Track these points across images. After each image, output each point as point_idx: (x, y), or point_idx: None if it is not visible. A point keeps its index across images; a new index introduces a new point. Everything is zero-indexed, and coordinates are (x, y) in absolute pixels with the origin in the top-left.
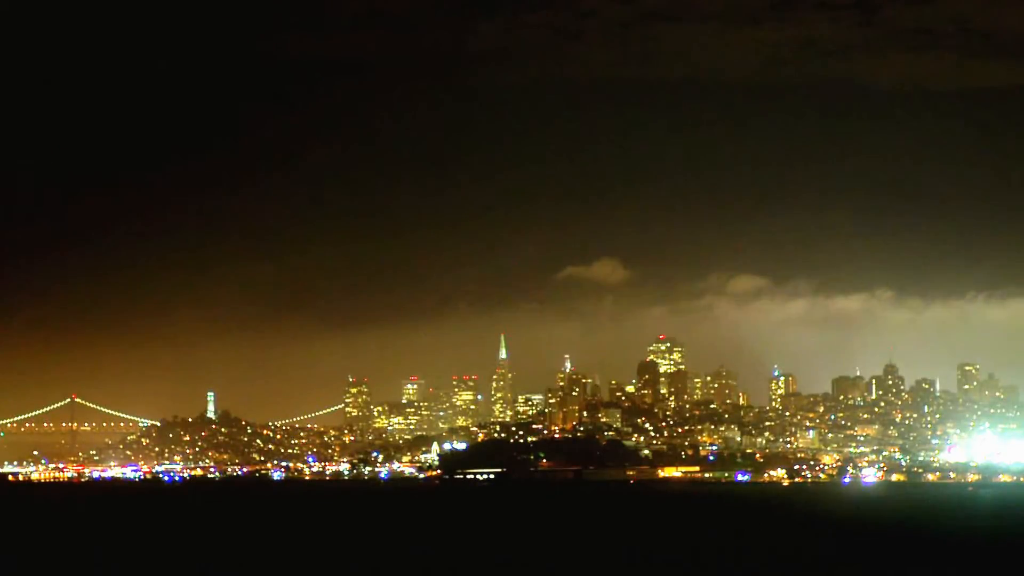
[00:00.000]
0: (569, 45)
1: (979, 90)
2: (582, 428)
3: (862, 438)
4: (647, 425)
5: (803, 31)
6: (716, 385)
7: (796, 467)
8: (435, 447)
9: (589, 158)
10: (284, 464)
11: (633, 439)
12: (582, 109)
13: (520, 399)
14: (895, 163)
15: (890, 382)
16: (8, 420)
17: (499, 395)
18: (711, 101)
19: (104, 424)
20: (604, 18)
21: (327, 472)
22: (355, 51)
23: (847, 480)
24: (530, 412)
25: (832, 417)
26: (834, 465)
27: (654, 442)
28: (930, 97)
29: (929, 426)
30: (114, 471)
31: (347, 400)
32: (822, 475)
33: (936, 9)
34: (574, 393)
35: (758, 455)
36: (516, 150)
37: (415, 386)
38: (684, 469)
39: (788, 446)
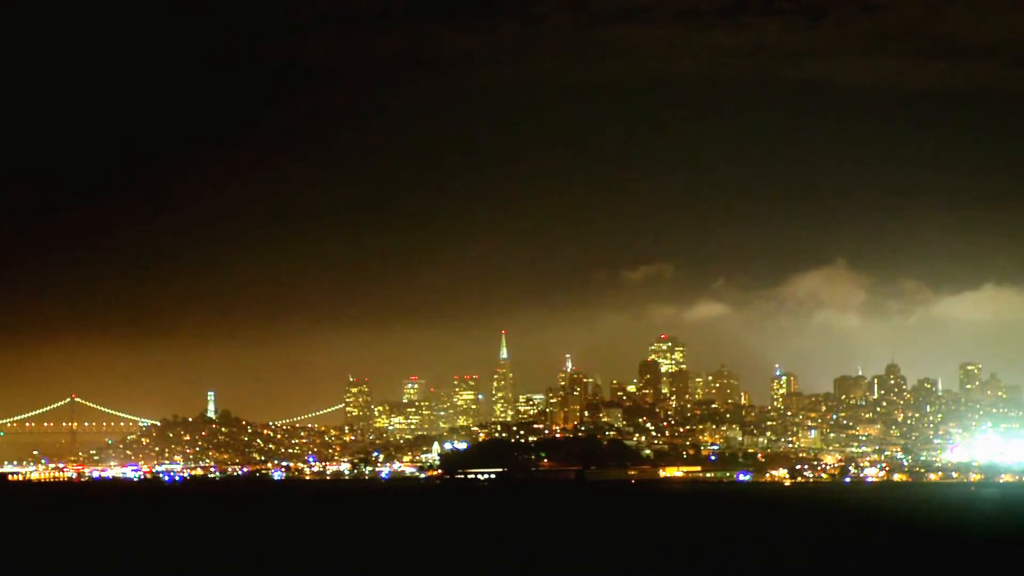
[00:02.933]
0: (521, 49)
1: (932, 92)
2: (583, 428)
3: (864, 438)
4: (648, 425)
5: (753, 35)
6: (717, 385)
7: (798, 467)
8: (436, 447)
9: (558, 159)
10: (284, 464)
11: (634, 439)
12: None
13: (521, 399)
14: (853, 163)
15: (892, 382)
16: (8, 420)
17: (500, 395)
18: (669, 103)
19: (104, 424)
20: (555, 23)
21: (328, 472)
22: (316, 55)
23: (848, 480)
24: (531, 412)
25: (834, 417)
26: (836, 465)
27: (655, 442)
28: (885, 98)
29: (931, 426)
30: (114, 471)
31: (347, 400)
32: (824, 475)
33: (883, 14)
34: (575, 393)
35: (760, 455)
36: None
37: (416, 386)
38: (685, 469)
39: (790, 446)
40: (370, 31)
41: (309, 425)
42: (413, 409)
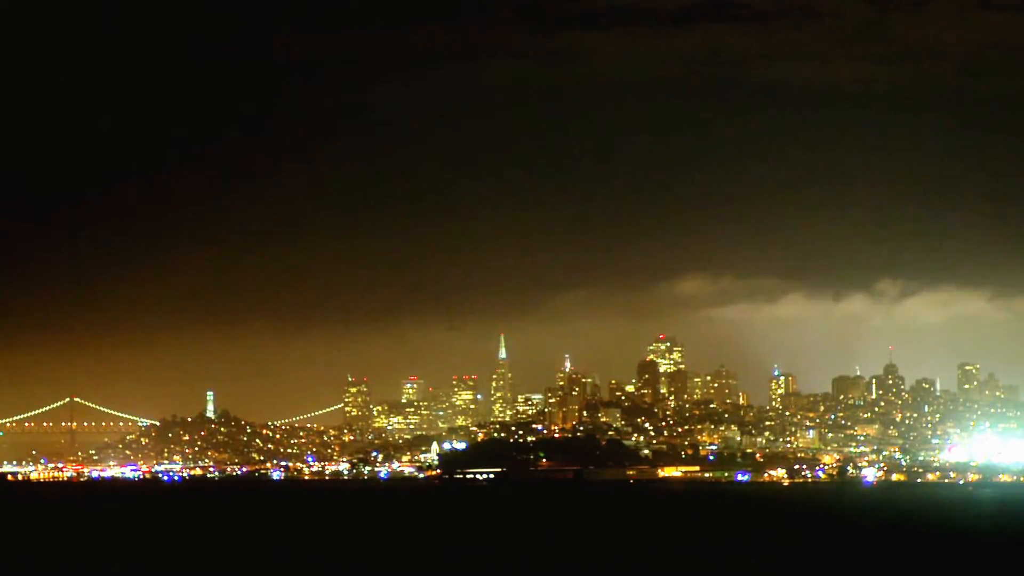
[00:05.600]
0: (479, 54)
1: (886, 94)
2: (582, 428)
3: (862, 438)
4: (647, 425)
5: (708, 40)
6: (716, 385)
7: (796, 467)
8: (435, 447)
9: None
10: (283, 464)
11: (633, 439)
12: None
13: (520, 399)
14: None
15: (890, 382)
16: (7, 420)
17: (499, 395)
18: (635, 106)
19: (103, 424)
20: (512, 29)
21: (327, 472)
22: (300, 57)
23: (847, 479)
24: (530, 412)
25: (832, 417)
26: (834, 465)
27: (654, 442)
28: (842, 100)
29: (929, 426)
30: (113, 471)
31: (347, 400)
32: (822, 475)
33: (834, 20)
34: (574, 393)
35: (758, 455)
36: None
37: (415, 386)
38: (684, 469)
39: (788, 446)
40: (346, 35)
41: (308, 425)
42: (412, 409)
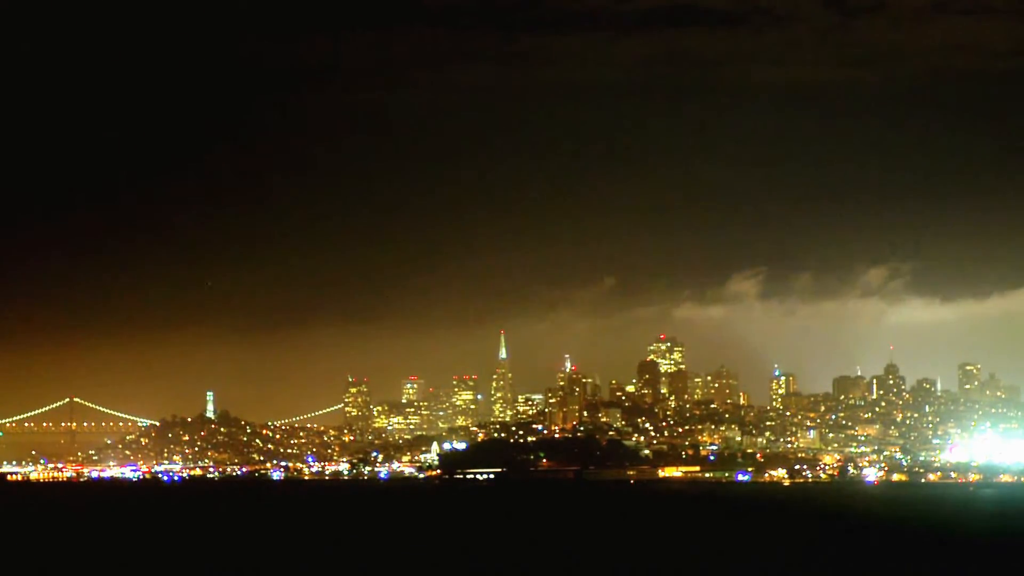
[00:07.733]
0: (450, 57)
1: (851, 96)
2: (582, 428)
3: (863, 438)
4: (647, 425)
5: (673, 43)
6: (716, 385)
7: (797, 467)
8: (435, 447)
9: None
10: (283, 464)
11: (633, 439)
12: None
13: (520, 399)
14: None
15: (891, 382)
16: (7, 420)
17: (499, 395)
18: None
19: (103, 424)
20: (479, 32)
21: (326, 472)
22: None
23: (848, 480)
24: (530, 412)
25: (833, 417)
26: (835, 465)
27: (654, 442)
28: (811, 100)
29: (930, 426)
30: (113, 471)
31: (346, 400)
32: (823, 475)
33: (795, 24)
34: (574, 393)
35: (759, 455)
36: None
37: (415, 386)
38: (684, 469)
39: (789, 446)
40: (318, 40)
41: (308, 425)
42: (412, 409)
